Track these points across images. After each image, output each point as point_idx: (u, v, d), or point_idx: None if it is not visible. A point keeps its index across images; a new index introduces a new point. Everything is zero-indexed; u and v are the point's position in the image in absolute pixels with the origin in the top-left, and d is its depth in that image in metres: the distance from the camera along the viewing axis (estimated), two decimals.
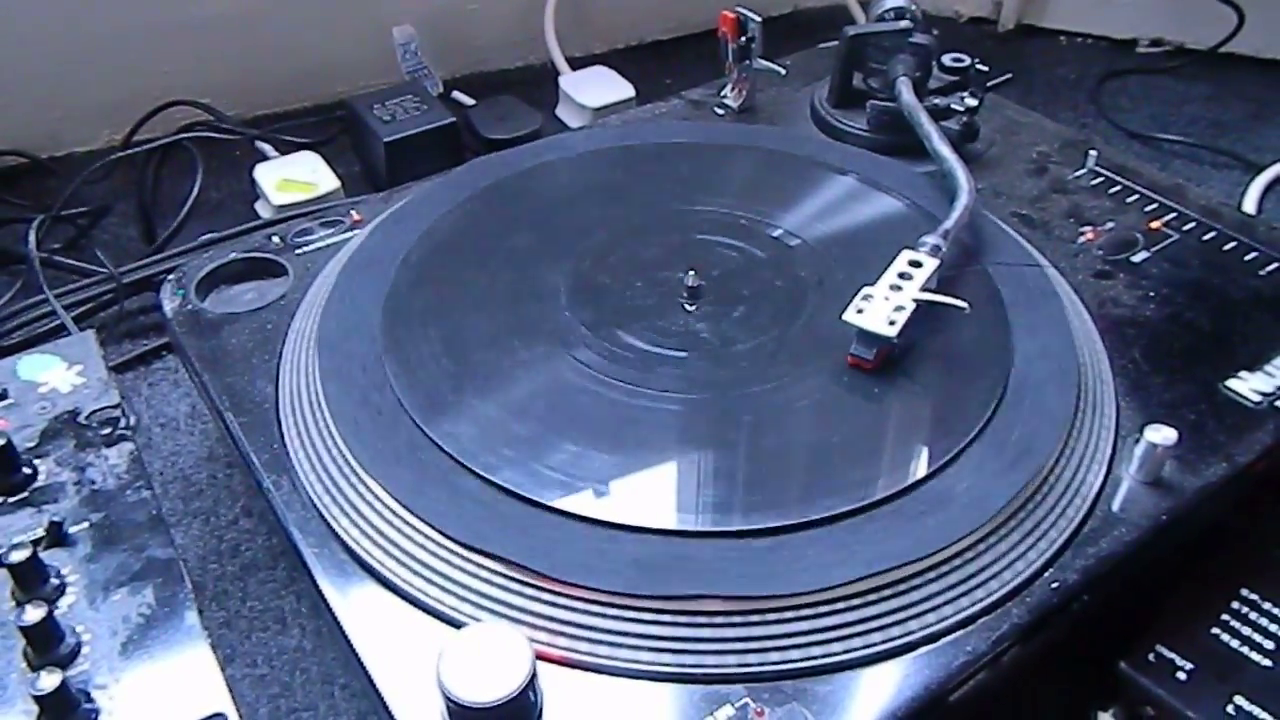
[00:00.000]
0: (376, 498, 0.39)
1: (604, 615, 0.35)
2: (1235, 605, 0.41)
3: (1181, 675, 0.39)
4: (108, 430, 0.43)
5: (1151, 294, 0.51)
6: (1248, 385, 0.45)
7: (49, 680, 0.32)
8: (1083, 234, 0.55)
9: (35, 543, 0.38)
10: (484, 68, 0.95)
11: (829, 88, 0.64)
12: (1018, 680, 0.38)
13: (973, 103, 0.60)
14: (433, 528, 0.38)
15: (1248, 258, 0.53)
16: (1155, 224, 0.55)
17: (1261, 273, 0.52)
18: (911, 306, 0.44)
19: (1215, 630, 0.40)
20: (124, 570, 0.38)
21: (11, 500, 0.41)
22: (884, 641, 0.35)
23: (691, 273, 0.49)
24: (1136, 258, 0.53)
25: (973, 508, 0.38)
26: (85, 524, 0.39)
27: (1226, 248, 0.53)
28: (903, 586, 0.36)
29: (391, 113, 0.75)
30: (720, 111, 0.66)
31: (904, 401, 0.44)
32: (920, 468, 0.40)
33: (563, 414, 0.43)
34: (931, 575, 0.37)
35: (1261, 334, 0.48)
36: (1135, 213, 0.56)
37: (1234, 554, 0.43)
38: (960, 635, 0.36)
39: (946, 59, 0.63)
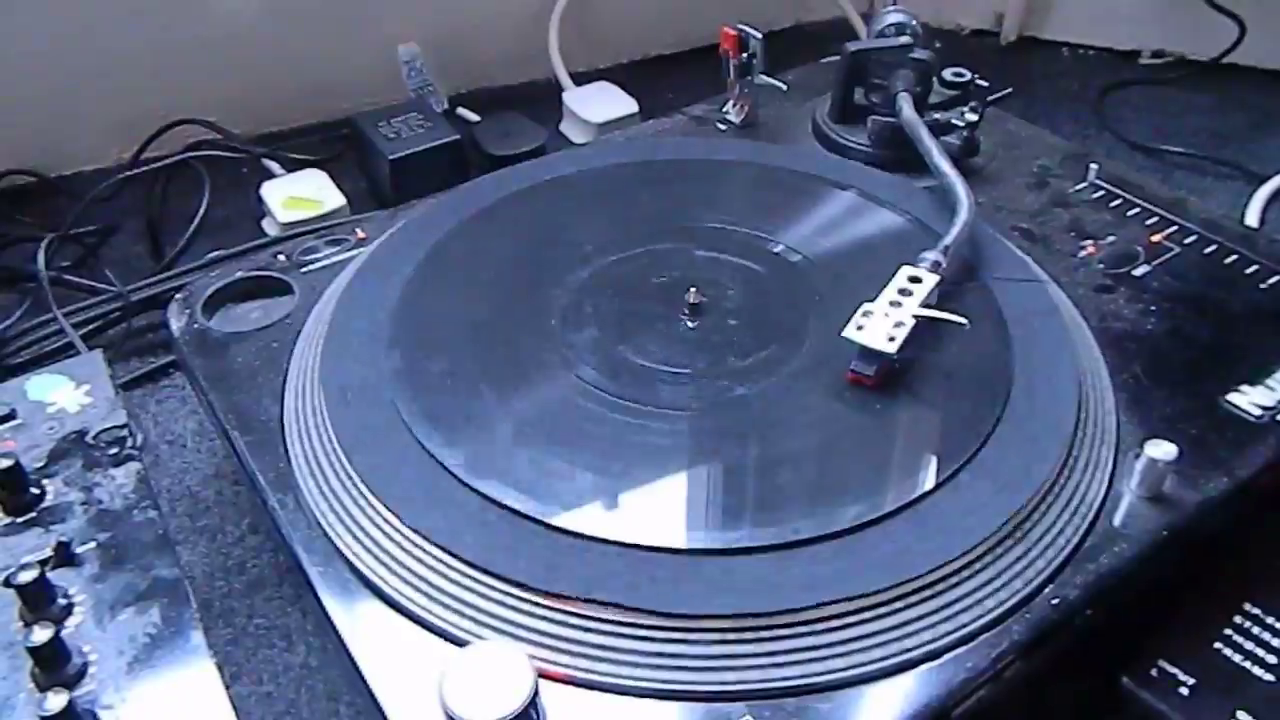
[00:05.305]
0: (380, 516, 0.40)
1: (605, 633, 0.36)
2: (1238, 620, 0.41)
3: (1184, 690, 0.39)
4: (115, 450, 0.44)
5: (1152, 308, 0.51)
6: (1249, 399, 0.45)
7: (56, 701, 0.32)
8: (1083, 248, 0.55)
9: (43, 563, 0.38)
10: (488, 84, 0.96)
11: (830, 103, 0.64)
12: (1020, 696, 0.38)
13: (973, 117, 0.60)
14: (436, 546, 0.38)
15: (1249, 271, 0.53)
16: (1156, 237, 0.55)
17: (1262, 286, 0.52)
18: (911, 323, 0.44)
19: (1218, 645, 0.40)
20: (130, 590, 0.38)
21: (19, 520, 0.41)
22: (885, 658, 0.35)
23: (693, 290, 0.49)
24: (1137, 271, 0.53)
25: (973, 523, 0.39)
26: (92, 544, 0.40)
27: (1227, 261, 0.53)
28: (904, 603, 0.36)
29: (396, 130, 0.76)
30: (723, 127, 0.67)
31: (904, 418, 0.44)
32: (921, 484, 0.40)
33: (564, 431, 0.43)
34: (932, 591, 0.37)
35: (1262, 347, 0.48)
36: (1136, 226, 0.56)
37: (1236, 568, 0.43)
38: (962, 652, 0.36)
39: (947, 73, 0.63)
